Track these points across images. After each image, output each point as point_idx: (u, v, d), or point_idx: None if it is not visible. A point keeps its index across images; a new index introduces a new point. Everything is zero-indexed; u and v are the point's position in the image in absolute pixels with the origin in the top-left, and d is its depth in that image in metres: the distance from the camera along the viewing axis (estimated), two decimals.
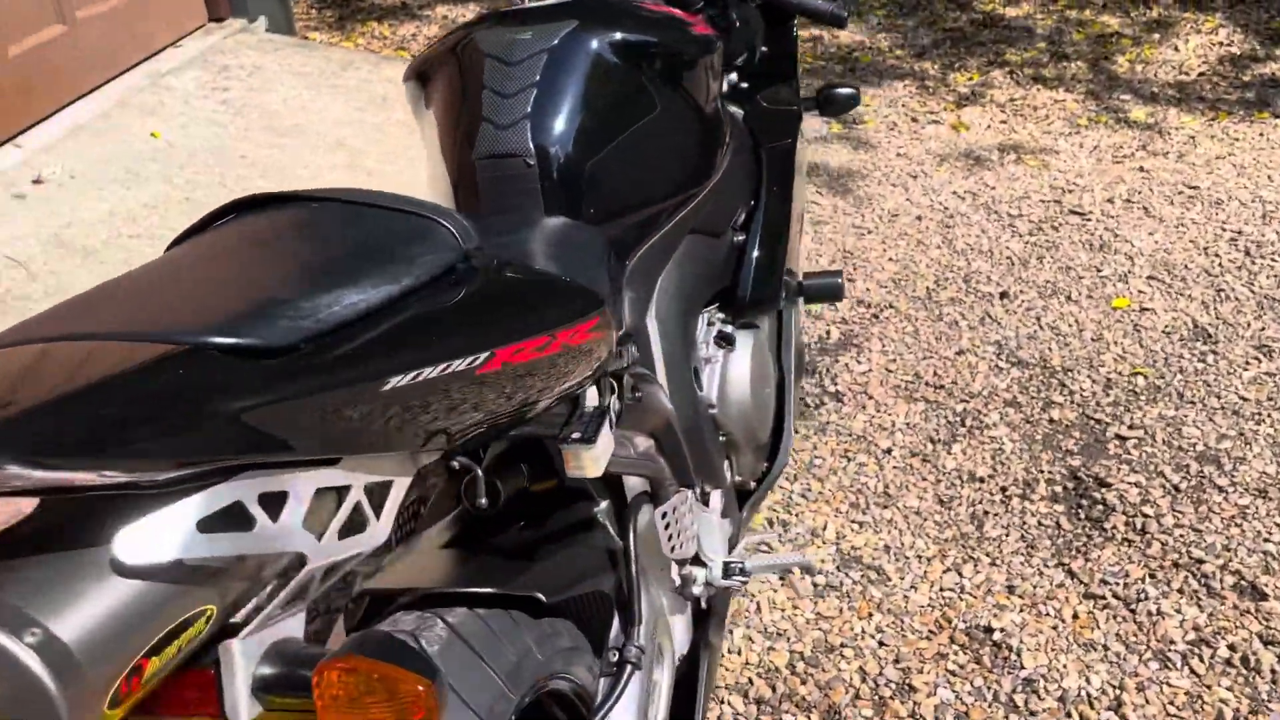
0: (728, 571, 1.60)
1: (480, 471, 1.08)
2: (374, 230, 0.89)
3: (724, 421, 1.71)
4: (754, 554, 1.63)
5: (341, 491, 0.81)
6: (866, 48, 4.78)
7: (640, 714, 1.34)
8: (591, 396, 1.31)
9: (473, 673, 1.09)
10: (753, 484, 1.89)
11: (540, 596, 1.19)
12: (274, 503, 0.75)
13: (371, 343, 0.78)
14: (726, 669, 1.86)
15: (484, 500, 1.10)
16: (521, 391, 0.93)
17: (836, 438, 2.43)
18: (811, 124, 3.96)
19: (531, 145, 1.36)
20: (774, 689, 1.84)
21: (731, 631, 1.87)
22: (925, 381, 2.63)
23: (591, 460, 1.17)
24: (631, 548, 1.37)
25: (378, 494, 0.86)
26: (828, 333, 2.87)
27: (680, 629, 1.61)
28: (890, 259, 3.21)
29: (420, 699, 0.74)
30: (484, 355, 0.84)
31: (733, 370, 1.74)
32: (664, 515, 1.43)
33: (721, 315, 1.78)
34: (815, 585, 1.95)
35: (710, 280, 1.72)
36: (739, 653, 1.89)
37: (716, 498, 1.66)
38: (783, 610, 1.93)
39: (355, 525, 0.83)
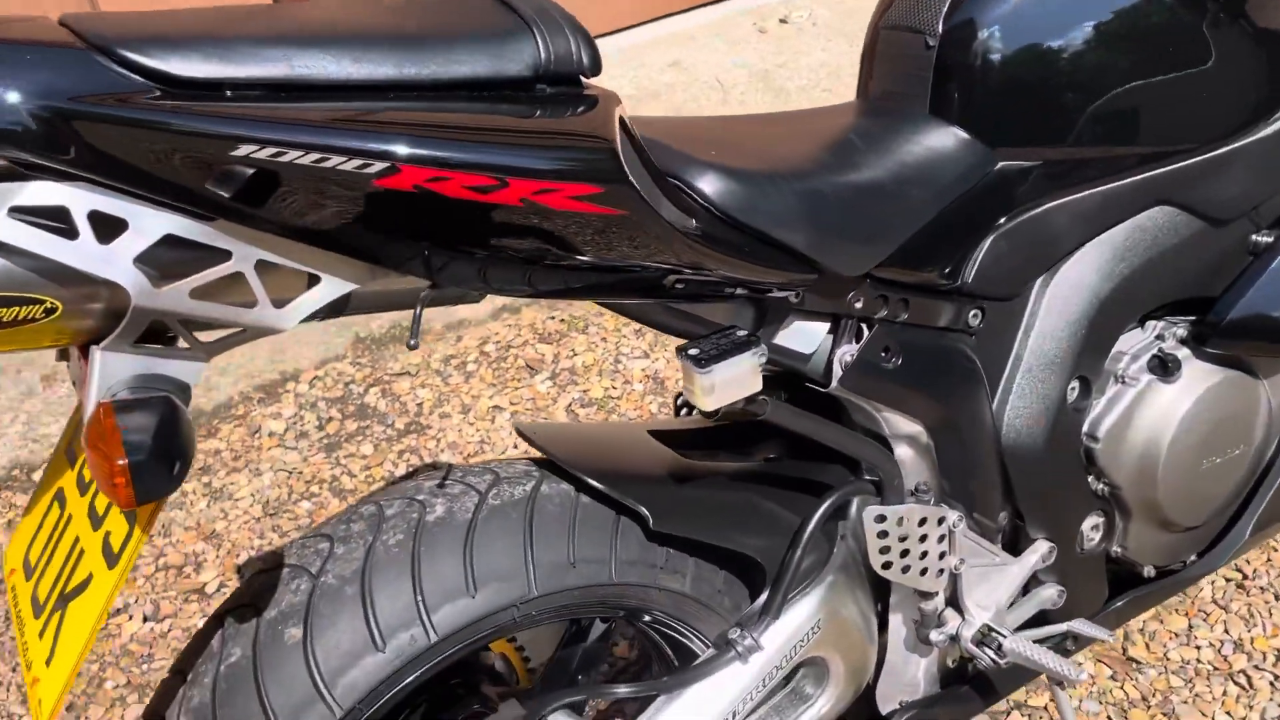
0: (983, 639, 1.23)
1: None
2: (460, 17, 0.79)
3: (1108, 467, 1.29)
4: (1024, 637, 1.22)
5: (216, 253, 0.75)
6: None
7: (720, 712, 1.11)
8: (797, 331, 1.07)
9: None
10: (1148, 569, 1.42)
11: (645, 513, 1.04)
12: (107, 226, 0.71)
13: (294, 94, 0.70)
14: None
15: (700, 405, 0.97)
16: (462, 234, 0.77)
17: None
18: None
19: (940, 25, 1.12)
20: None
21: None
22: None
23: (699, 389, 0.96)
24: (805, 533, 1.12)
25: (285, 280, 0.78)
26: None
27: (910, 675, 1.29)
28: None
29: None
30: (384, 165, 0.71)
31: (1156, 410, 1.29)
32: (879, 519, 1.13)
33: (1180, 331, 1.32)
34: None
35: (1176, 276, 1.29)
36: None
37: (1040, 552, 1.27)
38: None
39: (226, 293, 0.76)
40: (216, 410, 2.58)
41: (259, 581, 1.04)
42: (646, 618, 1.18)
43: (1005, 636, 1.21)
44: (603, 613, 1.12)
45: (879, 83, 1.23)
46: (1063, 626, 1.31)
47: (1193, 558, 1.47)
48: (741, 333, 1.00)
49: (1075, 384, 1.25)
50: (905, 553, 1.16)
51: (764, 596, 1.15)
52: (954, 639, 1.25)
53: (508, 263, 0.83)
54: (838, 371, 1.09)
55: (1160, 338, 1.32)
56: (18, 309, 0.73)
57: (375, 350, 2.74)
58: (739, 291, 1.00)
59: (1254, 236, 1.32)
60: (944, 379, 1.17)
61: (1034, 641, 1.26)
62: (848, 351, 1.09)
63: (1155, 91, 1.18)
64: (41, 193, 0.70)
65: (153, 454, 0.72)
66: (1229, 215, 1.28)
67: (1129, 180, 1.22)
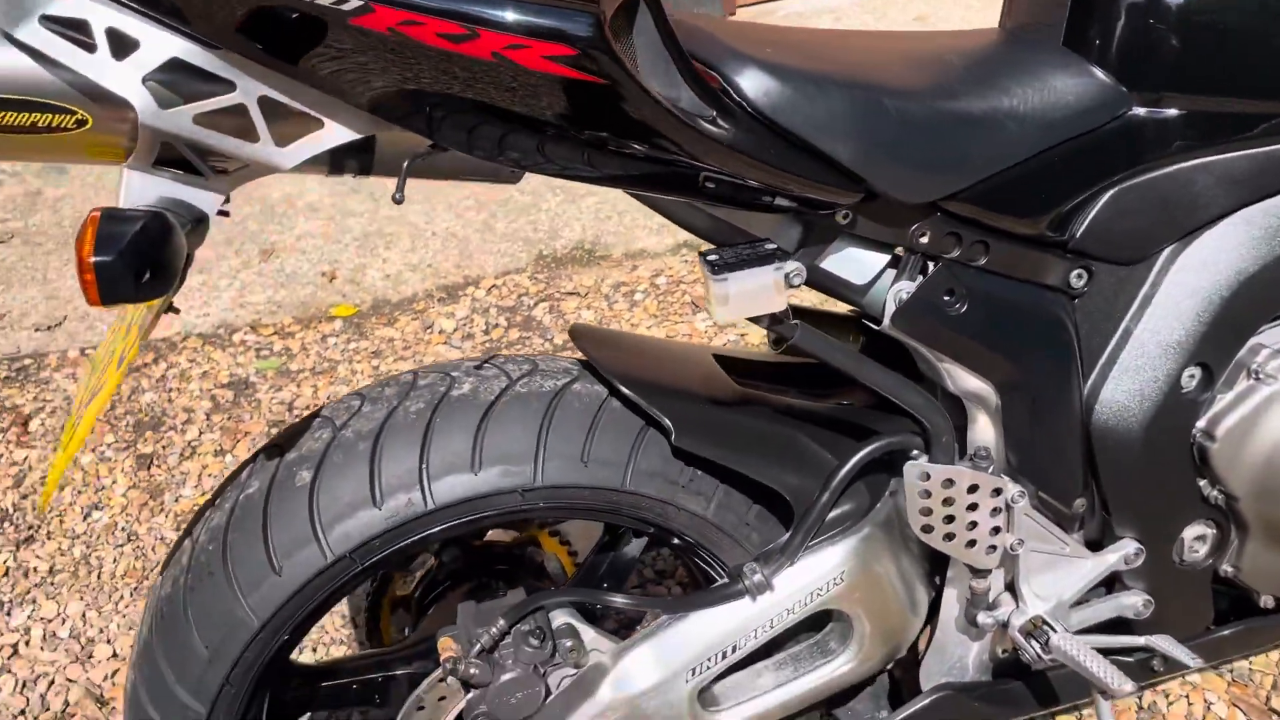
0: (1032, 631, 1.11)
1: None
2: None
3: (1225, 472, 1.14)
4: (1081, 639, 1.08)
5: (221, 83, 0.77)
6: None
7: (714, 644, 1.07)
8: (849, 258, 1.00)
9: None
10: (1266, 599, 1.24)
11: (669, 424, 1.01)
12: (121, 44, 0.74)
13: None
14: None
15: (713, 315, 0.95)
16: (446, 88, 0.75)
17: None
18: None
19: None
20: None
21: None
22: None
23: (712, 297, 0.92)
24: (836, 478, 1.05)
25: (292, 122, 0.79)
26: None
27: (957, 656, 1.19)
28: None
29: None
30: (358, 2, 0.69)
31: None
32: (923, 476, 1.04)
33: None
34: None
35: None
36: None
37: (1123, 553, 1.14)
38: None
39: (231, 125, 0.78)
40: (400, 303, 2.73)
41: (294, 427, 1.09)
42: (676, 541, 1.16)
43: (1055, 631, 1.09)
44: (616, 520, 1.10)
45: (1016, 13, 1.11)
46: (1140, 640, 1.17)
47: None
48: (770, 246, 0.94)
49: (1195, 371, 1.10)
50: (949, 519, 1.07)
51: (785, 537, 1.09)
52: (1004, 625, 1.14)
53: (504, 129, 0.81)
54: (890, 308, 1.01)
55: None
56: (51, 115, 0.80)
57: (553, 268, 2.81)
58: (779, 202, 0.94)
59: None
60: (1024, 339, 1.06)
61: (1099, 650, 1.13)
62: (904, 288, 1.01)
63: None
64: (68, 5, 0.75)
65: (120, 257, 0.77)
66: None
67: None
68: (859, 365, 1.02)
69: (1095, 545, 1.17)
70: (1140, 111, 1.03)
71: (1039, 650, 1.10)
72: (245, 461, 1.10)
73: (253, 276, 2.84)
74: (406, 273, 2.83)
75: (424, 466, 1.02)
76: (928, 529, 1.08)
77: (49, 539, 2.06)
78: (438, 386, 1.08)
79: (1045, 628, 1.11)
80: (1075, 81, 1.01)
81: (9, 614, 1.92)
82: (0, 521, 2.13)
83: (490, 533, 1.39)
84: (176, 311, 0.96)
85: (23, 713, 1.73)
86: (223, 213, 0.97)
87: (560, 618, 1.11)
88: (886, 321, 1.02)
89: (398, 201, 0.83)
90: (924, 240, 0.99)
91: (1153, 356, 1.09)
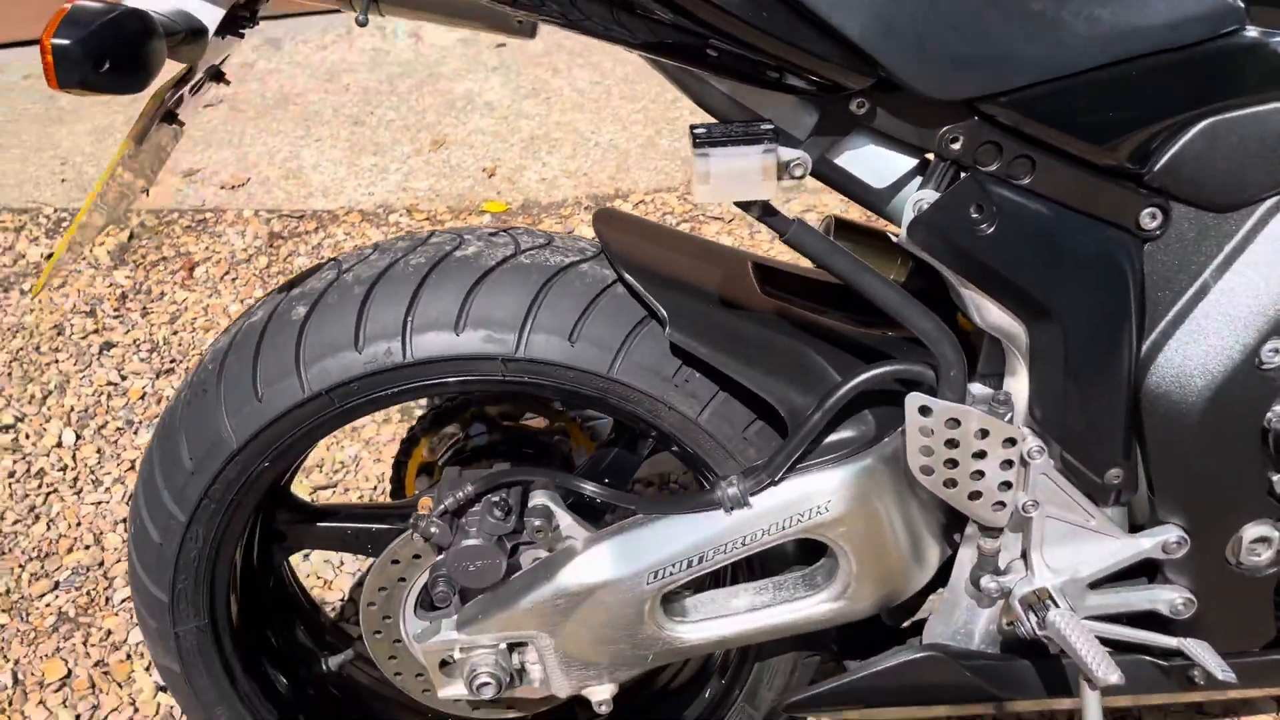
0: (1033, 603, 1.00)
1: None
2: None
3: None
4: (1083, 623, 0.95)
5: None
6: None
7: (683, 554, 1.02)
8: (867, 155, 0.90)
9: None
10: None
11: (663, 314, 0.97)
12: None
13: None
14: None
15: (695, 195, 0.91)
16: None
17: None
18: None
19: None
20: None
21: None
22: None
23: (693, 174, 0.85)
24: (830, 399, 0.98)
25: None
26: None
27: (961, 620, 1.10)
28: None
29: None
30: None
31: None
32: (923, 411, 0.95)
33: None
34: None
35: None
36: None
37: (1163, 539, 1.01)
38: None
39: None
40: (549, 205, 2.76)
41: (311, 268, 1.11)
42: (675, 449, 1.11)
43: (1055, 607, 0.98)
44: (605, 411, 1.07)
45: None
46: (1172, 642, 1.03)
47: None
48: (766, 127, 0.86)
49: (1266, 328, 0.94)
50: (952, 463, 0.97)
51: (771, 454, 1.02)
52: (1008, 594, 1.04)
53: None
54: (908, 216, 0.91)
55: None
56: None
57: None
58: (788, 81, 0.86)
59: None
60: (1069, 278, 0.93)
61: (1122, 643, 1.01)
62: (926, 197, 0.91)
63: None
64: None
65: (78, 44, 0.79)
66: None
67: None
68: (860, 275, 0.93)
69: (1137, 527, 1.03)
70: (1253, 32, 0.88)
71: (1035, 625, 0.99)
72: (266, 295, 1.13)
73: (420, 164, 2.94)
74: (562, 178, 2.84)
75: (409, 319, 1.02)
76: (927, 470, 0.98)
77: (186, 373, 2.23)
78: (444, 246, 1.07)
79: (1048, 601, 0.99)
80: None
81: (136, 432, 2.10)
82: (150, 351, 2.32)
83: (524, 418, 1.39)
84: (180, 124, 0.99)
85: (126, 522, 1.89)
86: (221, 78, 1.00)
87: (539, 498, 1.09)
88: (903, 233, 0.93)
89: (361, 24, 0.82)
90: (955, 146, 0.89)
91: (1232, 321, 0.95)
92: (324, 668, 1.31)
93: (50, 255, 2.66)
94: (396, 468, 1.39)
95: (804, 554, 1.12)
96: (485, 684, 1.08)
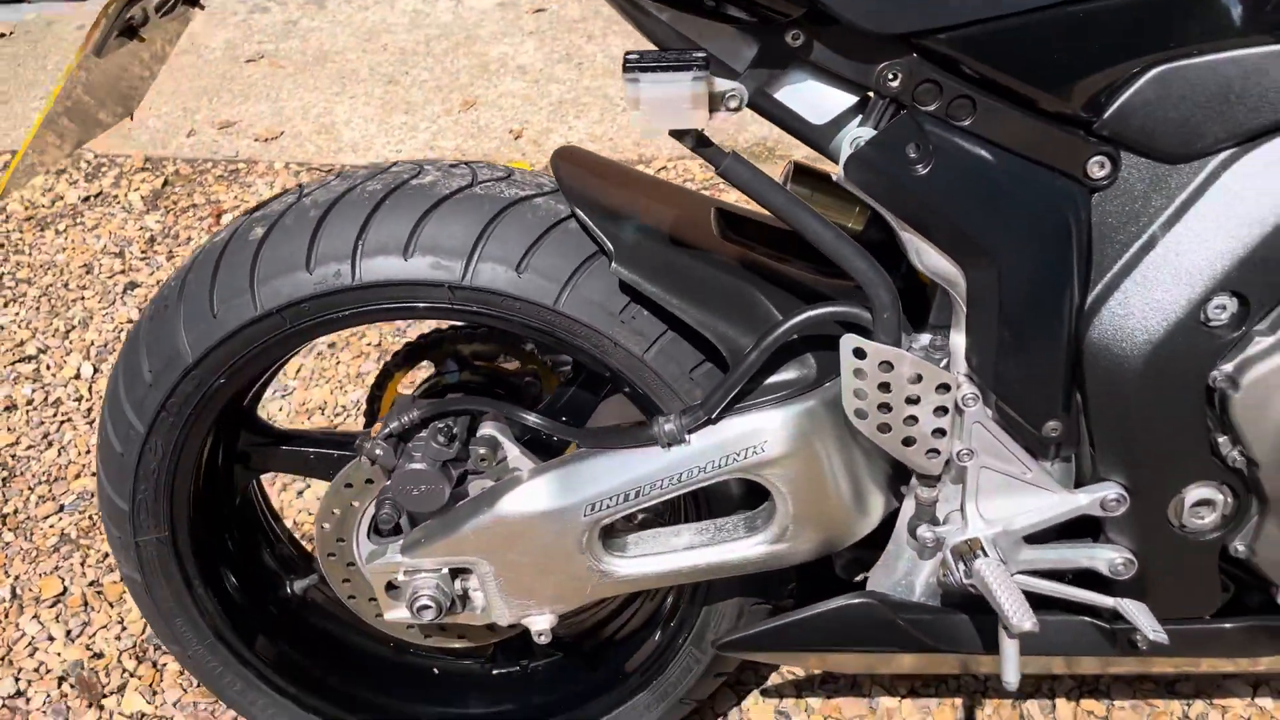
0: (964, 553, 0.99)
1: None
2: None
3: (1245, 429, 0.95)
4: (1004, 571, 0.94)
5: None
6: None
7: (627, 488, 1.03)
8: (805, 90, 0.90)
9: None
10: None
11: (610, 248, 0.98)
12: None
13: None
14: None
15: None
16: None
17: None
18: None
19: None
20: None
21: None
22: None
23: (628, 102, 0.86)
24: (767, 340, 0.98)
25: None
26: None
27: (903, 572, 1.09)
28: None
29: None
30: None
31: None
32: (858, 353, 0.94)
33: None
34: None
35: None
36: None
37: (1100, 496, 0.99)
38: None
39: None
40: None
41: (277, 195, 1.14)
42: (626, 388, 1.12)
43: (983, 556, 0.97)
44: (552, 344, 1.07)
45: None
46: (1109, 601, 1.01)
47: None
48: (699, 56, 0.86)
49: (1226, 302, 0.92)
50: (885, 407, 0.96)
51: (709, 392, 1.03)
52: (942, 543, 1.03)
53: None
54: (845, 153, 0.91)
55: None
56: None
57: None
58: (726, 9, 0.86)
59: None
60: (1009, 224, 0.92)
61: (1059, 600, 1.00)
62: (863, 134, 0.90)
63: None
64: None
65: None
66: None
67: None
68: (795, 211, 0.93)
69: (1077, 480, 1.02)
70: None
71: (962, 574, 0.98)
72: (235, 218, 1.16)
73: (449, 124, 2.97)
74: (587, 142, 2.85)
75: (360, 242, 1.03)
76: (861, 414, 0.98)
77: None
78: (403, 174, 1.08)
79: (979, 552, 0.98)
80: None
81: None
82: None
83: (498, 359, 1.40)
84: (140, 40, 1.01)
85: None
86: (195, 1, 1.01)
87: (487, 429, 1.11)
88: (840, 171, 0.92)
89: None
90: (894, 84, 0.88)
91: (1178, 275, 0.93)
92: (289, 590, 1.34)
93: (88, 197, 2.75)
94: (370, 402, 1.41)
95: (755, 498, 1.13)
96: (426, 607, 1.10)
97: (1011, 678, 0.97)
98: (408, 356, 1.37)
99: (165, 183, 2.79)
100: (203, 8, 1.10)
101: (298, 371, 2.14)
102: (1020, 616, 0.91)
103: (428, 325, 1.73)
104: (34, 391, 2.12)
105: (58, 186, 2.80)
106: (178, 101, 3.15)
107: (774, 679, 1.51)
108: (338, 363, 2.16)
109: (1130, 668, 1.11)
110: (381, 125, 2.98)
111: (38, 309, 2.36)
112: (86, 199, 2.74)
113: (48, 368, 2.19)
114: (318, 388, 2.10)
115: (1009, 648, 0.97)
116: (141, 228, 2.61)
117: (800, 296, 1.05)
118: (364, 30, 3.43)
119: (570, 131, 2.90)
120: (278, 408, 2.06)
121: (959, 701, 1.46)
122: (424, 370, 1.39)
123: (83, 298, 2.39)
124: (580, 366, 1.23)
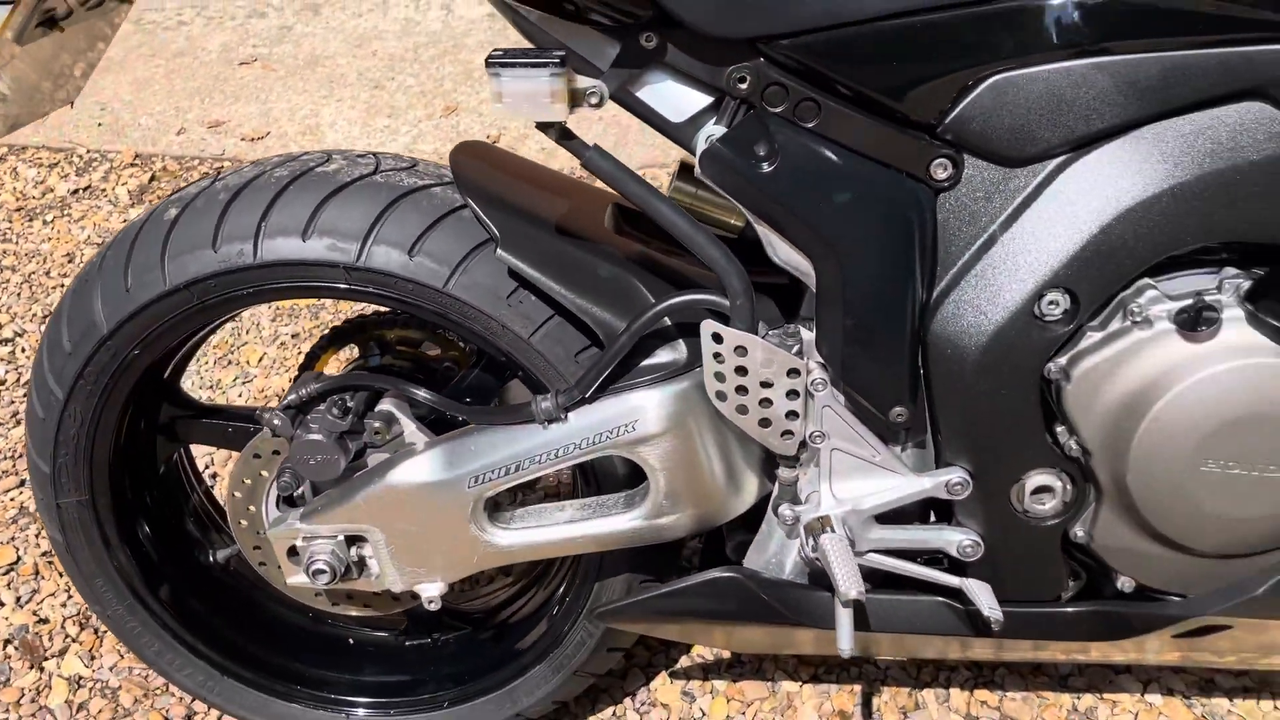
0: (813, 529, 1.05)
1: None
2: None
3: (1077, 418, 1.01)
4: (841, 540, 0.99)
5: None
6: None
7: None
8: (665, 90, 0.96)
9: None
10: (1124, 580, 1.09)
11: (496, 233, 1.05)
12: None
13: None
14: None
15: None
16: None
17: None
18: None
19: None
20: None
21: None
22: None
23: (491, 95, 0.93)
24: (635, 324, 1.05)
25: None
26: None
27: (774, 550, 1.15)
28: None
29: None
30: None
31: (1155, 366, 0.97)
32: (715, 338, 1.01)
33: (1245, 286, 0.98)
34: None
35: (1258, 206, 0.93)
36: None
37: (945, 480, 1.05)
38: None
39: None
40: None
41: (195, 180, 1.21)
42: (520, 371, 1.19)
43: (830, 533, 1.03)
44: (446, 325, 1.14)
45: None
46: (954, 580, 1.07)
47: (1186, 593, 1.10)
48: (558, 54, 0.93)
49: (1059, 298, 0.97)
50: (742, 390, 1.02)
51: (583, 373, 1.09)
52: (799, 520, 1.09)
53: None
54: (700, 149, 0.97)
55: (1216, 288, 0.97)
56: None
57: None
58: (586, 14, 0.93)
59: None
60: (854, 221, 0.97)
61: (908, 578, 1.05)
62: (715, 132, 0.96)
63: None
64: None
65: None
66: None
67: (1210, 53, 0.89)
68: (651, 201, 0.99)
69: (934, 464, 1.08)
70: None
71: (810, 549, 1.04)
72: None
73: (430, 128, 3.05)
74: (561, 149, 2.93)
75: (263, 224, 1.10)
76: (721, 396, 1.04)
77: None
78: (310, 162, 1.15)
79: (827, 529, 1.04)
80: None
81: None
82: None
83: (423, 346, 1.47)
84: (60, 30, 1.08)
85: None
86: None
87: (386, 405, 1.17)
88: (697, 167, 0.98)
89: None
90: (743, 86, 0.94)
91: (1014, 271, 0.98)
92: (211, 558, 1.41)
93: (76, 190, 2.84)
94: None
95: (641, 477, 1.19)
96: (321, 571, 1.17)
97: (845, 644, 1.03)
98: (333, 340, 1.44)
99: (152, 178, 2.88)
100: (131, 1, 1.17)
101: (260, 360, 2.22)
102: (848, 585, 0.97)
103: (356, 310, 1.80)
104: (7, 372, 2.20)
105: (49, 179, 2.90)
106: (171, 101, 3.25)
107: (683, 662, 1.56)
108: (299, 353, 2.23)
109: (989, 651, 1.16)
110: (364, 128, 3.06)
111: (18, 295, 2.45)
112: (75, 191, 2.84)
113: (23, 350, 2.27)
114: (278, 376, 2.18)
115: (843, 616, 1.02)
116: (125, 220, 2.70)
117: (679, 286, 1.11)
118: (355, 36, 3.53)
119: (546, 138, 2.98)
120: (238, 394, 2.14)
121: (858, 688, 1.51)
122: (350, 353, 1.47)
123: (62, 285, 2.48)
124: (483, 351, 1.29)
